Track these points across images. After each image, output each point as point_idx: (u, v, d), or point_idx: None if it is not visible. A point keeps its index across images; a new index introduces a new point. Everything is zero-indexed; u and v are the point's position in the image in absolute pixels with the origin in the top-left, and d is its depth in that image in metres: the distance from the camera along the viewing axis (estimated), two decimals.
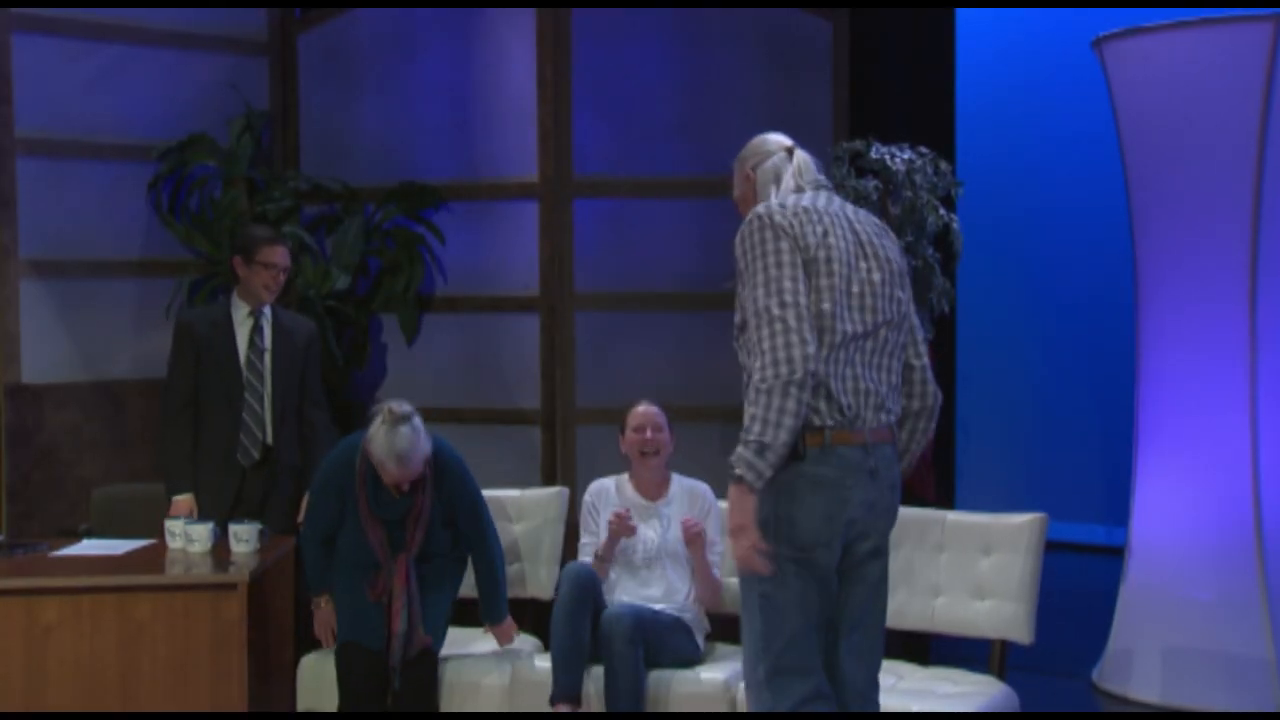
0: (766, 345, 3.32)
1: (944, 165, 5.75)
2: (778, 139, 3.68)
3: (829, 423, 3.37)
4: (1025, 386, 8.55)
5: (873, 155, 5.64)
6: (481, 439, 6.02)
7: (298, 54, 6.41)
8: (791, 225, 3.41)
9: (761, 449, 3.27)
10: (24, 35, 5.78)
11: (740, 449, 3.30)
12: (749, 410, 3.32)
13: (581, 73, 6.05)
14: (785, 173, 3.60)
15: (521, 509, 5.16)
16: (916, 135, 5.82)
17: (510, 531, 5.12)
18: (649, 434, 4.86)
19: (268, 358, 5.16)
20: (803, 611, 3.39)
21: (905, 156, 5.64)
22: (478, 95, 6.18)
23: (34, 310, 5.82)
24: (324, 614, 4.80)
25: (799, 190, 3.56)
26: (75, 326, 5.94)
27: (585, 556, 4.80)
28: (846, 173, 5.69)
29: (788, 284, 3.35)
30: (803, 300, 3.35)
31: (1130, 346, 5.70)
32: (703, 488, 4.92)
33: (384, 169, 6.26)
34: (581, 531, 4.91)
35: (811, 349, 3.31)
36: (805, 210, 3.45)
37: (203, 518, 4.91)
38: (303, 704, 4.80)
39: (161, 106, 6.10)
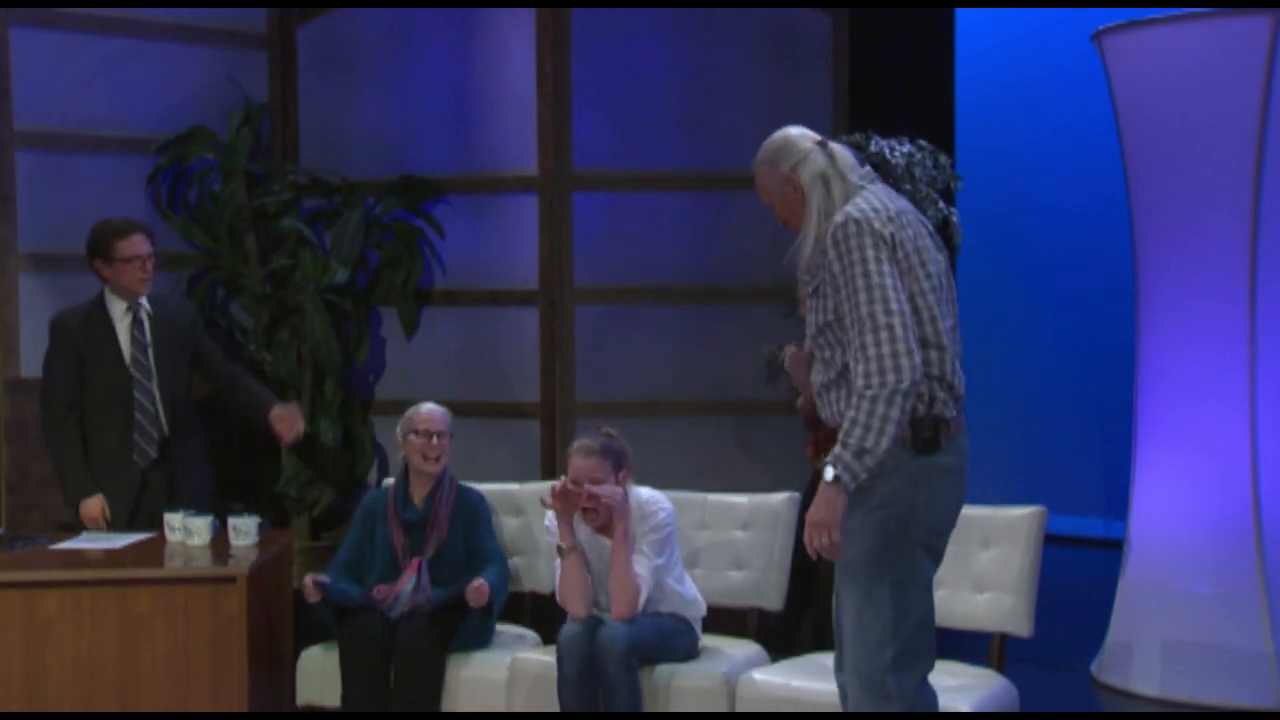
0: (872, 352, 3.34)
1: (943, 159, 5.74)
2: (805, 133, 3.58)
3: (952, 414, 3.47)
4: (1025, 380, 8.56)
5: (872, 148, 5.64)
6: (481, 433, 6.02)
7: (297, 47, 6.40)
8: (892, 234, 3.42)
9: (861, 453, 3.33)
10: (23, 29, 5.78)
11: (839, 450, 3.35)
12: (849, 414, 3.35)
13: (581, 66, 6.04)
14: (830, 171, 3.51)
15: (520, 503, 5.16)
16: (916, 129, 5.81)
17: (509, 526, 5.13)
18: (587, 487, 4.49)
19: (151, 352, 5.09)
20: (929, 594, 3.53)
21: (905, 150, 5.63)
22: (477, 88, 6.18)
23: (33, 304, 5.81)
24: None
25: (860, 187, 3.50)
26: None
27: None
28: None
29: (891, 292, 3.37)
30: (906, 309, 3.38)
31: (1130, 340, 5.69)
32: (646, 496, 4.59)
33: (383, 162, 6.25)
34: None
35: (918, 358, 3.35)
36: (897, 215, 3.46)
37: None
38: (303, 697, 4.81)
39: (161, 100, 6.09)
